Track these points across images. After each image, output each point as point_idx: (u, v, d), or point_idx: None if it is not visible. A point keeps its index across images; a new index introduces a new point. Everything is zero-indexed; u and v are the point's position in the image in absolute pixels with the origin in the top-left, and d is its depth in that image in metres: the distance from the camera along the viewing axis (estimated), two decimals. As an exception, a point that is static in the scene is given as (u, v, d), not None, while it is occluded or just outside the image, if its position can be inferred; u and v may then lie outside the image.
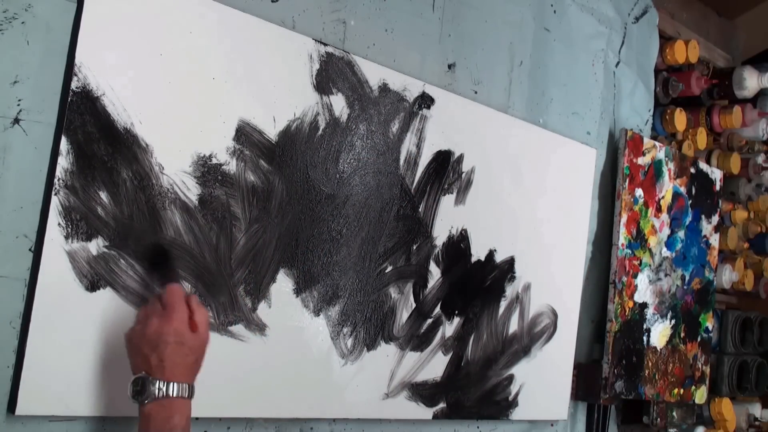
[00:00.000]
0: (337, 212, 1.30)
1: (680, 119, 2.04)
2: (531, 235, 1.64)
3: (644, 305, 1.88)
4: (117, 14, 1.04)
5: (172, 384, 0.96)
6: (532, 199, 1.64)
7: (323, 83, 1.28)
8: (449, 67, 1.51)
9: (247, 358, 1.19)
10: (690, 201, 2.05)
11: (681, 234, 2.02)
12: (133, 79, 1.06)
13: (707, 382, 2.11)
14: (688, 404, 2.06)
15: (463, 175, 1.50)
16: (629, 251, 1.84)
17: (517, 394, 1.61)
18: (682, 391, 1.99)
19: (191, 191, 1.12)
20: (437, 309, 1.45)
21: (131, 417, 1.09)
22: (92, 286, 1.03)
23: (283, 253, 1.23)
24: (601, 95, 1.85)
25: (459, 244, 1.49)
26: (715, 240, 2.15)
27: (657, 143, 1.94)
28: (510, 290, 1.60)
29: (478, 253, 1.53)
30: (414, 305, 1.42)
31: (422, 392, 1.43)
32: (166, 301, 0.99)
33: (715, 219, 2.14)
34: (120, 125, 1.05)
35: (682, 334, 2.02)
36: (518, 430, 1.68)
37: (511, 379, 1.60)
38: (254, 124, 1.19)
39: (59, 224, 0.99)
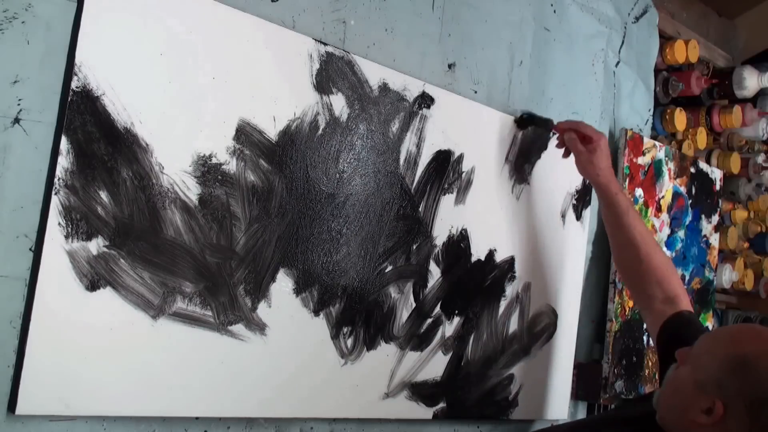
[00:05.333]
0: (337, 212, 1.30)
1: (680, 119, 2.04)
2: (531, 235, 1.64)
3: (644, 305, 1.88)
4: (117, 14, 1.04)
5: None
6: (532, 199, 1.64)
7: (323, 83, 1.28)
8: (449, 66, 1.51)
9: (247, 358, 1.19)
10: (690, 201, 2.05)
11: (681, 234, 2.02)
12: (133, 79, 1.06)
13: (707, 382, 2.11)
14: (688, 404, 2.06)
15: (463, 175, 1.50)
16: (629, 251, 1.83)
17: (517, 394, 1.61)
18: (682, 390, 1.98)
19: (191, 191, 1.12)
20: (437, 309, 1.45)
21: (131, 417, 1.09)
22: (92, 286, 1.03)
23: (283, 252, 1.23)
24: (601, 95, 1.85)
25: (459, 243, 1.49)
26: (715, 240, 2.15)
27: (657, 143, 1.94)
28: (510, 290, 1.60)
29: (478, 252, 1.53)
30: (414, 305, 1.42)
31: (422, 392, 1.43)
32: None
33: (715, 219, 2.15)
34: (120, 125, 1.05)
35: (682, 334, 2.02)
36: (518, 430, 1.68)
37: (511, 378, 1.60)
38: (254, 124, 1.19)
39: (59, 224, 0.99)
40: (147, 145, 1.08)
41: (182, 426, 1.15)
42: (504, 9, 1.61)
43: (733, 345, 1.11)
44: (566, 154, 1.62)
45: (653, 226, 1.92)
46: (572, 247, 1.74)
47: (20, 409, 0.97)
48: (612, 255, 1.57)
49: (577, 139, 1.56)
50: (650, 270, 1.46)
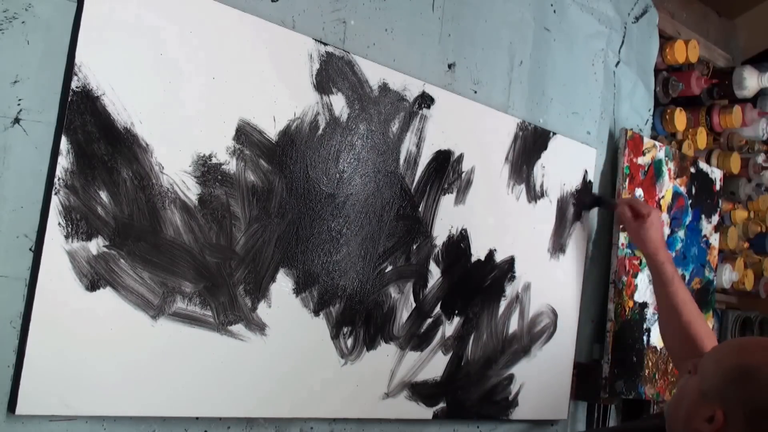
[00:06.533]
0: (337, 212, 1.30)
1: (680, 119, 2.04)
2: (531, 235, 1.64)
3: (644, 305, 1.88)
4: (117, 14, 1.05)
5: None
6: (532, 199, 1.64)
7: (323, 83, 1.28)
8: (449, 66, 1.51)
9: (247, 358, 1.19)
10: (690, 201, 2.05)
11: (681, 234, 2.02)
12: (133, 79, 1.06)
13: (707, 382, 2.11)
14: (688, 404, 2.06)
15: (463, 175, 1.50)
16: (629, 251, 1.84)
17: (517, 394, 1.61)
18: (682, 390, 1.98)
19: (191, 191, 1.12)
20: (437, 309, 1.45)
21: (131, 417, 1.09)
22: (92, 286, 1.03)
23: (283, 252, 1.23)
24: (601, 95, 1.85)
25: (459, 243, 1.49)
26: (715, 240, 2.15)
27: (657, 143, 1.94)
28: (510, 290, 1.60)
29: (478, 252, 1.53)
30: (414, 305, 1.42)
31: (422, 392, 1.43)
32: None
33: (715, 219, 2.14)
34: (120, 125, 1.05)
35: (682, 334, 2.02)
36: (518, 429, 1.68)
37: (511, 378, 1.60)
38: (254, 124, 1.19)
39: (59, 224, 1.00)
40: (147, 145, 1.08)
41: (182, 426, 1.15)
42: (504, 9, 1.61)
43: (738, 355, 1.13)
44: (620, 224, 1.77)
45: (653, 226, 1.92)
46: (572, 247, 1.74)
47: (20, 409, 0.97)
48: (657, 318, 1.69)
49: (630, 212, 1.70)
50: (689, 335, 1.54)
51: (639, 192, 1.87)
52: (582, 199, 1.75)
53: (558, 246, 1.70)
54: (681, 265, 2.01)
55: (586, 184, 1.76)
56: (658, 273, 1.63)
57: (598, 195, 1.80)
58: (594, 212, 1.81)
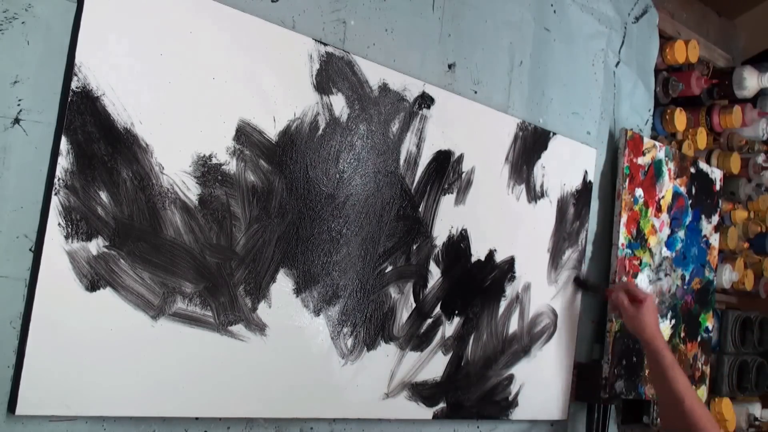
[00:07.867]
0: (337, 212, 1.30)
1: (680, 119, 2.04)
2: (531, 235, 1.64)
3: (644, 305, 1.88)
4: (117, 14, 1.04)
5: None
6: (532, 199, 1.64)
7: (323, 83, 1.28)
8: (449, 67, 1.51)
9: (247, 358, 1.19)
10: (690, 201, 2.05)
11: (681, 234, 2.02)
12: (133, 80, 1.06)
13: (707, 382, 2.11)
14: (688, 404, 2.06)
15: (463, 175, 1.50)
16: (629, 251, 1.84)
17: (517, 394, 1.61)
18: (682, 391, 1.98)
19: (191, 191, 1.12)
20: (437, 309, 1.45)
21: (131, 417, 1.09)
22: (92, 286, 1.03)
23: (283, 252, 1.23)
24: (601, 95, 1.85)
25: (459, 244, 1.49)
26: (715, 240, 2.15)
27: (657, 143, 1.94)
28: (510, 290, 1.60)
29: (478, 253, 1.53)
30: (414, 305, 1.42)
31: (422, 392, 1.43)
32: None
33: (715, 219, 2.15)
34: (120, 125, 1.05)
35: (682, 334, 2.02)
36: (518, 430, 1.68)
37: (511, 379, 1.60)
38: (254, 124, 1.19)
39: (59, 224, 1.00)
40: (147, 145, 1.08)
41: (182, 426, 1.15)
42: (504, 9, 1.61)
43: None
44: (614, 310, 1.73)
45: (653, 226, 1.92)
46: (572, 248, 1.74)
47: (20, 410, 0.97)
48: (657, 403, 1.68)
49: (626, 297, 1.67)
50: (692, 423, 1.53)
51: (639, 192, 1.87)
52: (574, 281, 1.73)
53: (558, 246, 1.70)
54: (681, 265, 2.01)
55: (586, 184, 1.76)
56: (656, 359, 1.60)
57: (583, 278, 1.75)
58: (594, 212, 1.81)
